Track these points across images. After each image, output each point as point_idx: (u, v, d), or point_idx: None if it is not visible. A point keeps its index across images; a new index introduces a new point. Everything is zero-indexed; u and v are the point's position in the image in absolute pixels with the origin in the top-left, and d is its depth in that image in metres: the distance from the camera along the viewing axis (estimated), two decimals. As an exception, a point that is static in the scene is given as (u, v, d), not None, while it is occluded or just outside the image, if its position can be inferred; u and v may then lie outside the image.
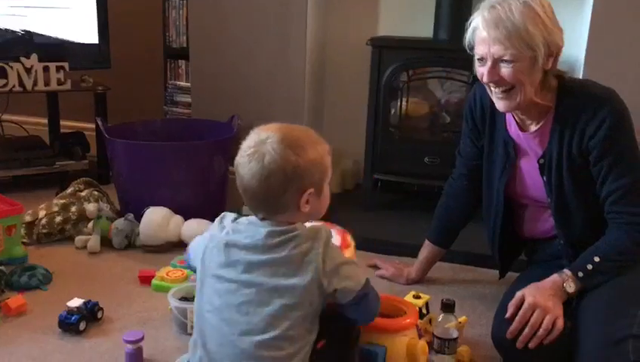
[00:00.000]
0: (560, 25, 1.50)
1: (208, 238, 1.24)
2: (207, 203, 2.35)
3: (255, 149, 1.19)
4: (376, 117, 2.44)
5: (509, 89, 1.51)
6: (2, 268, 1.87)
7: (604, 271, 1.50)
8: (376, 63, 2.40)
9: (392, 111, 2.50)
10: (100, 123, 2.40)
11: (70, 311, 1.62)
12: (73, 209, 2.24)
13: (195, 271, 1.28)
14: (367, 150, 2.50)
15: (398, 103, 2.52)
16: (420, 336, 1.50)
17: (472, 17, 1.54)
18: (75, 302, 1.64)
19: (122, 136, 2.35)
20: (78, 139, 2.92)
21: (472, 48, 1.53)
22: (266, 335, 1.13)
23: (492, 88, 1.55)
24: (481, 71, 1.53)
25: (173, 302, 1.64)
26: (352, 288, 1.20)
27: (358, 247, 2.20)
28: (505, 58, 1.47)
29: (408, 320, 1.43)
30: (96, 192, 2.34)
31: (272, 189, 1.16)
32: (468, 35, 1.54)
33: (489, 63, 1.50)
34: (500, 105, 1.56)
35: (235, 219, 1.24)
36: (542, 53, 1.46)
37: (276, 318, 1.13)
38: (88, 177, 2.62)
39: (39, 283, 1.86)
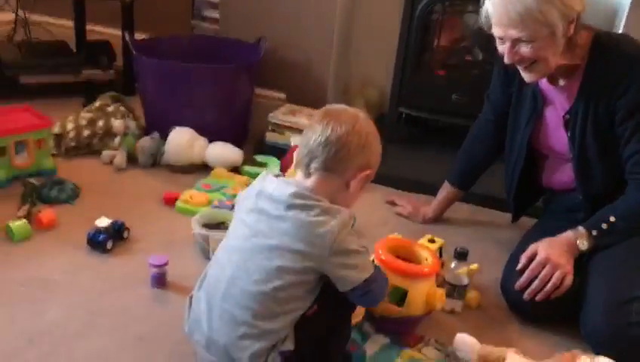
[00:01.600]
0: None
1: (249, 188, 1.27)
2: (231, 126, 2.37)
3: (350, 112, 1.24)
4: (407, 49, 2.39)
5: (531, 63, 1.50)
6: (33, 180, 1.94)
7: (618, 232, 1.53)
8: (410, -7, 2.33)
9: (423, 44, 2.44)
10: (127, 37, 2.38)
11: (98, 230, 1.69)
12: (100, 123, 2.28)
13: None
14: (395, 82, 2.47)
15: (430, 37, 2.46)
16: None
17: None
18: (103, 222, 1.71)
19: (149, 51, 2.34)
20: (105, 48, 2.90)
21: (489, 28, 1.51)
22: (255, 287, 1.16)
23: (512, 63, 1.53)
24: (502, 49, 1.52)
25: (197, 229, 1.70)
26: (353, 280, 1.18)
27: (376, 182, 2.25)
28: (523, 39, 1.45)
29: (429, 269, 1.48)
30: (123, 108, 2.36)
31: (349, 146, 1.19)
32: (483, 16, 1.51)
33: (508, 44, 1.48)
34: (525, 77, 1.56)
35: (278, 175, 1.26)
36: (560, 27, 1.43)
37: (270, 275, 1.15)
38: (114, 88, 2.65)
39: (68, 197, 1.92)
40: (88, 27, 3.02)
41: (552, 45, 1.46)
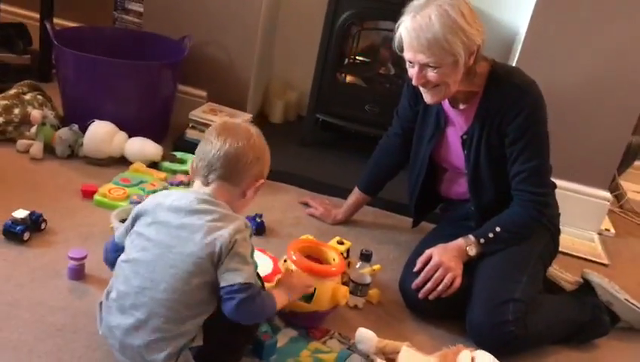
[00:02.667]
0: (479, 21, 1.64)
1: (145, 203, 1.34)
2: (152, 122, 2.41)
3: (243, 127, 1.35)
4: (326, 59, 2.52)
5: (434, 86, 1.68)
6: (-56, 167, 1.90)
7: (502, 240, 1.74)
8: (332, 5, 2.45)
9: (341, 55, 2.58)
10: (47, 26, 2.35)
11: (15, 221, 1.70)
12: (16, 111, 2.25)
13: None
14: (313, 89, 2.59)
15: (348, 48, 2.61)
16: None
17: (398, 22, 1.66)
18: (21, 213, 1.71)
19: (70, 41, 2.32)
20: (20, 32, 2.84)
21: (401, 51, 1.67)
22: (164, 295, 1.23)
23: (420, 86, 1.71)
24: (411, 73, 1.69)
25: (116, 223, 1.75)
26: (232, 280, 1.23)
27: (291, 183, 2.38)
28: (430, 64, 1.62)
29: (336, 269, 1.62)
30: (40, 97, 2.34)
31: (245, 160, 1.30)
32: (397, 40, 1.68)
33: (416, 68, 1.65)
34: (426, 98, 1.73)
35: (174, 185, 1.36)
36: (462, 57, 1.61)
37: (176, 282, 1.22)
38: (29, 73, 2.60)
39: (-18, 186, 1.91)
40: (3, 7, 2.93)
41: (454, 72, 1.64)
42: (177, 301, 1.23)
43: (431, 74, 1.64)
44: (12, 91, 2.32)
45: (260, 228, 2.01)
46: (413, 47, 1.62)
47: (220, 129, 1.33)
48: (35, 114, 2.21)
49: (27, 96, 2.31)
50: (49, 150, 2.21)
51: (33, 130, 2.22)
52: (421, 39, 1.59)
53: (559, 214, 1.90)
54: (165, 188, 2.10)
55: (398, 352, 1.50)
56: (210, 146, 1.30)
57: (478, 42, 1.63)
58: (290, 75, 2.94)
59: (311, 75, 2.60)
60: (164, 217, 1.27)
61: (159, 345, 1.23)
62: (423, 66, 1.64)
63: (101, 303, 1.34)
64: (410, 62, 1.66)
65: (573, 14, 2.23)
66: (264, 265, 1.57)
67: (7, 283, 1.55)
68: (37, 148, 2.17)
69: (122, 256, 1.32)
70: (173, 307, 1.23)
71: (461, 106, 1.79)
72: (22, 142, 2.20)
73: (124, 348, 1.27)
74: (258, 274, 1.37)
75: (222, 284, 1.24)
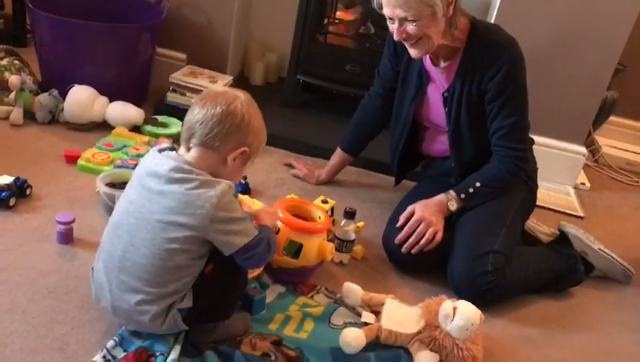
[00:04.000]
0: None
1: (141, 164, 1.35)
2: (132, 85, 2.39)
3: (227, 93, 1.33)
4: (305, 19, 2.51)
5: (417, 40, 1.69)
6: None
7: (482, 195, 1.79)
8: (310, -35, 2.44)
9: (320, 15, 2.58)
10: (21, -12, 2.30)
11: (0, 187, 1.70)
12: (-7, 77, 2.22)
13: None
14: (293, 50, 2.59)
15: (327, 8, 2.60)
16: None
17: None
18: (5, 179, 1.72)
19: (44, 4, 2.28)
20: (-9, -5, 2.77)
21: (381, 8, 1.68)
22: (143, 259, 1.25)
23: (402, 41, 1.71)
24: (392, 28, 1.70)
25: (102, 188, 1.76)
26: (235, 244, 1.26)
27: (274, 145, 2.39)
28: (408, 18, 1.63)
29: (322, 226, 1.66)
30: (17, 62, 2.31)
31: (223, 125, 1.28)
32: (375, 0, 1.68)
33: (396, 23, 1.66)
34: (411, 52, 1.75)
35: (163, 150, 1.34)
36: (440, 7, 1.63)
37: (155, 246, 1.24)
38: (2, 38, 2.55)
39: (-37, 153, 1.90)
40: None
41: (434, 24, 1.65)
42: (157, 266, 1.25)
43: (411, 27, 1.65)
44: (-13, 57, 2.28)
45: (245, 190, 2.04)
46: (390, 2, 1.63)
47: (204, 94, 1.34)
48: (13, 79, 2.18)
49: (3, 62, 2.28)
50: (29, 116, 2.20)
51: (12, 96, 2.20)
52: None
53: (537, 169, 1.95)
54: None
55: (383, 304, 1.55)
56: (194, 114, 1.30)
57: None
58: (270, 37, 2.92)
59: (290, 36, 2.60)
60: (147, 181, 1.28)
61: (145, 306, 1.26)
62: (402, 21, 1.65)
63: (93, 268, 1.37)
64: (390, 19, 1.67)
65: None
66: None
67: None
68: (17, 114, 2.16)
69: (111, 217, 1.34)
70: (153, 271, 1.25)
71: (442, 64, 1.81)
72: (1, 109, 2.18)
73: (115, 308, 1.30)
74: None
75: (233, 250, 1.27)
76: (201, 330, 1.36)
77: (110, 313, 1.32)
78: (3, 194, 1.69)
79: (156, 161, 1.30)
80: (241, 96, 1.33)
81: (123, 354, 1.29)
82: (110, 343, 1.31)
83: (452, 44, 1.75)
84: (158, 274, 1.26)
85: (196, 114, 1.29)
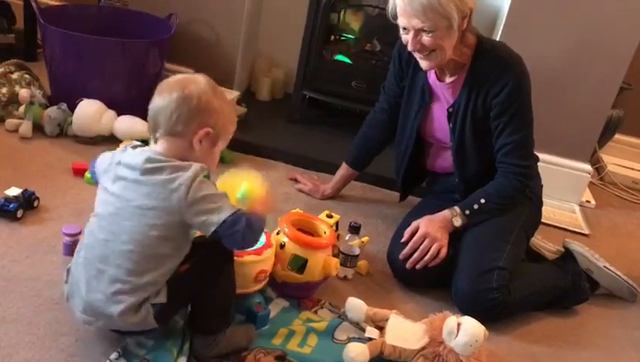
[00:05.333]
0: None
1: (111, 156, 1.36)
2: (140, 100, 2.36)
3: (182, 79, 1.34)
4: (312, 36, 2.54)
5: (430, 52, 1.70)
6: None
7: (487, 211, 1.79)
8: (318, -18, 2.47)
9: (327, 32, 2.60)
10: (34, 4, 2.34)
11: (8, 199, 1.72)
12: (4, 90, 2.25)
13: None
14: (300, 67, 2.61)
15: (334, 25, 2.63)
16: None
17: None
18: (14, 191, 1.73)
19: (56, 19, 2.32)
20: (4, 10, 2.81)
21: (395, 18, 1.69)
22: (125, 246, 1.26)
23: (415, 53, 1.73)
24: (405, 39, 1.71)
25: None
26: (212, 222, 1.25)
27: (280, 159, 2.41)
28: (425, 29, 1.64)
29: (327, 241, 1.66)
30: (27, 76, 2.34)
31: (181, 110, 1.28)
32: (390, 7, 1.70)
33: (411, 34, 1.67)
34: (423, 64, 1.75)
35: (136, 146, 1.37)
36: (456, 20, 1.64)
37: (137, 233, 1.26)
38: (14, 53, 2.60)
39: (-27, 165, 1.92)
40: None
41: (448, 36, 1.67)
42: (136, 252, 1.26)
43: (426, 38, 1.66)
44: (-1, 70, 2.32)
45: (250, 204, 2.05)
46: (407, 12, 1.64)
47: (160, 86, 1.33)
48: (23, 93, 2.21)
49: (14, 75, 2.31)
50: (38, 129, 2.22)
51: (21, 109, 2.23)
52: (415, 4, 1.61)
53: (542, 186, 1.96)
54: (155, 166, 2.13)
55: (386, 319, 1.55)
56: (153, 104, 1.31)
57: (470, 5, 1.66)
58: (277, 53, 2.95)
59: (297, 52, 2.62)
60: (122, 172, 1.30)
61: (118, 297, 1.26)
62: (418, 31, 1.65)
63: (69, 268, 1.37)
64: (405, 29, 1.68)
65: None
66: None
67: (3, 260, 1.58)
68: (26, 127, 2.18)
69: (93, 213, 1.36)
70: (132, 258, 1.26)
71: (447, 79, 1.83)
72: (10, 122, 2.21)
73: (87, 304, 1.29)
74: None
75: (211, 229, 1.25)
76: (204, 343, 1.37)
77: (79, 312, 1.31)
78: (11, 206, 1.71)
79: (127, 153, 1.33)
80: (198, 79, 1.33)
81: (127, 366, 1.29)
82: (114, 355, 1.31)
83: (459, 59, 1.76)
84: (138, 261, 1.26)
85: (156, 105, 1.30)
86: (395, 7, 1.67)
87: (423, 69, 1.77)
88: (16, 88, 2.26)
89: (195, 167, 1.27)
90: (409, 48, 1.71)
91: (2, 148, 2.10)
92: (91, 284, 1.29)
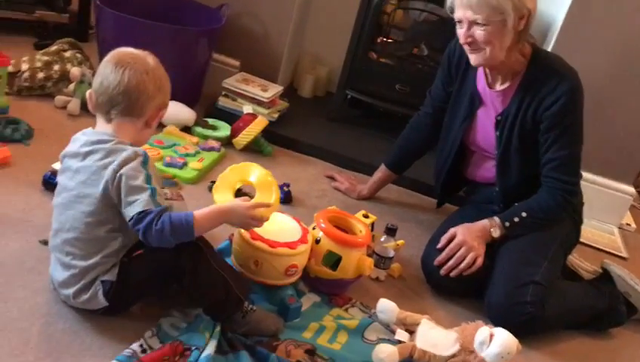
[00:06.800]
0: None
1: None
2: (186, 87, 2.44)
3: (139, 56, 1.34)
4: (360, 36, 2.54)
5: (480, 48, 1.67)
6: (-13, 116, 1.96)
7: (526, 225, 1.77)
8: (370, -18, 2.47)
9: (375, 33, 2.60)
10: (91, -15, 2.39)
11: (54, 173, 1.75)
12: (56, 68, 2.30)
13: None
14: (345, 65, 2.61)
15: (383, 27, 2.62)
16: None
17: None
18: (58, 166, 1.76)
19: (111, 2, 2.36)
20: (60, -10, 2.88)
21: (452, 12, 1.68)
22: (69, 234, 1.31)
23: (465, 45, 1.71)
24: (459, 32, 1.70)
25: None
26: (127, 214, 1.25)
27: (318, 156, 2.42)
28: (477, 21, 1.62)
29: (363, 240, 1.66)
30: (79, 55, 2.38)
31: (147, 92, 1.30)
32: (448, 2, 1.69)
33: (465, 26, 1.66)
34: (471, 58, 1.73)
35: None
36: (511, 17, 1.62)
37: (76, 221, 1.30)
38: (67, 32, 2.65)
39: (22, 137, 1.96)
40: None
41: (502, 34, 1.64)
42: (78, 239, 1.30)
43: (478, 32, 1.64)
44: (53, 48, 2.37)
45: (287, 197, 2.06)
46: (462, 3, 1.63)
47: (115, 60, 1.31)
48: (75, 71, 2.25)
49: (67, 54, 2.36)
50: (85, 107, 2.25)
51: (71, 87, 2.27)
52: None
53: (583, 204, 1.92)
54: (197, 153, 2.15)
55: (417, 324, 1.54)
56: (109, 81, 1.30)
57: (529, 6, 1.63)
58: (322, 51, 2.96)
59: (341, 51, 2.63)
60: (68, 162, 1.34)
61: (70, 281, 1.32)
62: (471, 24, 1.64)
63: None
64: (460, 22, 1.67)
65: (610, 5, 2.23)
66: (295, 232, 1.60)
67: (45, 231, 1.57)
68: (74, 104, 2.22)
69: None
70: (76, 245, 1.31)
71: (498, 87, 1.80)
72: (60, 98, 2.25)
73: (56, 286, 1.37)
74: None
75: (127, 220, 1.26)
76: (232, 321, 1.38)
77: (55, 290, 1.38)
78: (57, 179, 1.74)
79: (74, 142, 1.36)
80: (150, 58, 1.35)
81: (159, 345, 1.31)
82: (148, 333, 1.33)
83: (513, 65, 1.74)
84: (81, 247, 1.31)
85: (117, 83, 1.29)
86: (454, 0, 1.66)
87: (472, 63, 1.74)
88: (68, 66, 2.31)
89: (128, 152, 1.27)
90: (460, 41, 1.70)
91: (50, 123, 2.14)
92: (54, 271, 1.37)
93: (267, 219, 1.42)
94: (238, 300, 1.38)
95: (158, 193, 1.28)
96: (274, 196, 1.48)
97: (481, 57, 1.69)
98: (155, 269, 1.33)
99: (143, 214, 1.24)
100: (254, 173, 1.55)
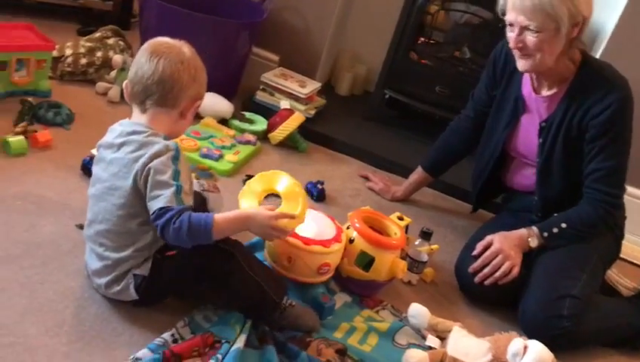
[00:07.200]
0: None
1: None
2: (225, 79, 2.44)
3: (175, 45, 1.34)
4: (402, 36, 2.50)
5: (530, 54, 1.63)
6: (30, 99, 1.99)
7: (566, 237, 1.72)
8: (414, -17, 2.43)
9: (417, 33, 2.57)
10: (136, -26, 2.41)
11: (93, 158, 1.76)
12: (99, 54, 2.32)
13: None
14: (385, 65, 2.58)
15: (425, 28, 2.59)
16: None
17: None
18: (99, 151, 1.78)
19: (155, -8, 2.37)
20: (105, -22, 2.91)
21: (504, 14, 1.63)
22: (102, 226, 1.32)
23: (514, 50, 1.67)
24: (509, 36, 1.65)
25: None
26: (153, 207, 1.24)
27: (353, 155, 2.40)
28: (530, 27, 1.57)
29: (397, 242, 1.64)
30: (122, 42, 2.41)
31: (181, 82, 1.29)
32: (500, 3, 1.64)
33: (516, 31, 1.61)
34: (520, 64, 1.68)
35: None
36: (565, 25, 1.57)
37: (108, 213, 1.30)
38: (110, 20, 2.68)
39: (63, 121, 1.98)
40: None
41: (554, 42, 1.59)
42: (110, 231, 1.31)
43: (530, 38, 1.60)
44: (97, 34, 2.40)
45: (320, 195, 2.05)
46: (516, 7, 1.58)
47: (152, 51, 1.30)
48: (117, 58, 2.27)
49: (110, 41, 2.38)
50: (126, 95, 2.28)
51: (113, 74, 2.30)
52: (526, 1, 1.56)
53: (625, 218, 1.86)
54: (233, 145, 2.15)
55: (449, 331, 1.52)
56: (144, 70, 1.29)
57: (584, 13, 1.58)
58: (361, 49, 2.93)
59: (381, 50, 2.60)
60: (102, 153, 1.35)
61: (103, 271, 1.33)
62: (522, 29, 1.59)
63: None
64: (511, 25, 1.62)
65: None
66: (329, 231, 1.59)
67: (82, 215, 1.57)
68: (115, 91, 2.24)
69: None
70: (108, 237, 1.31)
71: (545, 93, 1.76)
72: (101, 85, 2.28)
73: (89, 274, 1.39)
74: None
75: (149, 214, 1.26)
76: (271, 316, 1.38)
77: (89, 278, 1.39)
78: (94, 165, 1.76)
79: (109, 133, 1.36)
80: (185, 48, 1.34)
81: (190, 336, 1.31)
82: (180, 323, 1.33)
83: (561, 71, 1.69)
84: (113, 239, 1.31)
85: (152, 73, 1.28)
86: (505, 2, 1.62)
87: (519, 69, 1.69)
88: (110, 53, 2.33)
89: (159, 146, 1.27)
90: (510, 45, 1.65)
91: (91, 109, 2.17)
92: (89, 260, 1.38)
93: (291, 232, 1.38)
94: (273, 303, 1.38)
95: (184, 191, 1.27)
96: (300, 208, 1.39)
97: (529, 63, 1.65)
98: (186, 272, 1.32)
99: (163, 210, 1.23)
100: (282, 182, 1.48)
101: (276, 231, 1.33)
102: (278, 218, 1.33)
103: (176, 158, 1.28)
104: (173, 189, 1.24)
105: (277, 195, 1.49)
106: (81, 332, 1.28)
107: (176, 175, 1.26)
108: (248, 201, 1.47)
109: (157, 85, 1.28)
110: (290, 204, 1.40)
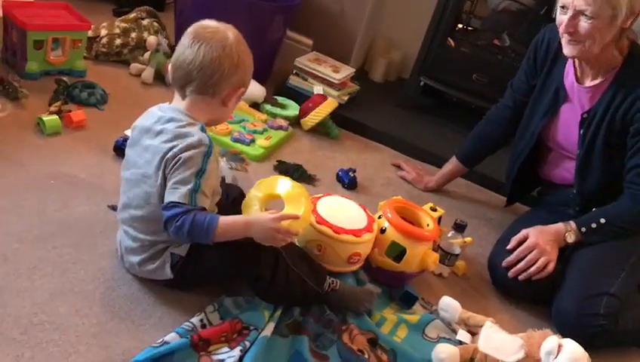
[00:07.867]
0: None
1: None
2: (259, 63, 2.36)
3: (218, 31, 1.29)
4: (440, 22, 2.45)
5: (579, 40, 1.57)
6: (65, 79, 2.00)
7: (604, 233, 1.66)
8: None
9: (456, 20, 2.50)
10: (172, -45, 2.39)
11: (126, 139, 1.76)
12: (133, 35, 2.32)
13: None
14: (421, 51, 2.53)
15: (464, 15, 2.53)
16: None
17: None
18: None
19: (190, -27, 2.36)
20: (141, -42, 2.90)
21: None
22: (137, 212, 1.30)
23: (564, 34, 1.60)
24: (561, 19, 1.58)
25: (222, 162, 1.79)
26: (167, 198, 1.24)
27: (385, 143, 2.36)
28: (586, 13, 1.51)
29: (430, 234, 1.60)
30: (156, 24, 2.40)
31: (222, 69, 1.25)
32: None
33: (570, 13, 1.54)
34: (566, 49, 1.62)
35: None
36: (622, 14, 1.50)
37: (142, 199, 1.29)
38: (145, 1, 2.67)
39: (97, 102, 1.99)
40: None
41: (607, 29, 1.53)
42: (145, 216, 1.30)
43: (583, 24, 1.53)
44: (132, 15, 2.40)
45: (352, 183, 2.02)
46: None
47: (194, 35, 1.27)
48: (151, 40, 2.27)
49: (145, 22, 2.38)
50: (159, 77, 2.28)
51: (147, 55, 2.29)
52: None
53: (667, 216, 1.79)
54: (265, 130, 2.14)
55: (480, 326, 1.48)
56: (185, 55, 1.26)
57: None
58: (397, 35, 2.88)
59: (418, 37, 2.55)
60: (138, 137, 1.32)
61: (138, 249, 1.33)
62: (577, 13, 1.53)
63: None
64: (564, 8, 1.56)
65: None
66: (360, 220, 1.56)
67: (115, 196, 1.57)
68: (148, 73, 2.24)
69: None
70: (143, 221, 1.31)
71: (588, 83, 1.69)
72: (135, 66, 2.28)
73: (122, 254, 1.37)
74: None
75: (165, 201, 1.25)
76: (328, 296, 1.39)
77: (120, 259, 1.39)
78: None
79: (145, 116, 1.33)
80: (230, 33, 1.29)
81: (219, 321, 1.30)
82: (209, 308, 1.33)
83: (608, 61, 1.62)
84: (147, 223, 1.30)
85: (192, 59, 1.25)
86: None
87: (565, 54, 1.63)
88: (145, 34, 2.33)
89: (194, 138, 1.24)
90: (560, 29, 1.58)
91: (123, 90, 2.17)
92: (122, 239, 1.37)
93: (297, 234, 1.34)
94: (315, 293, 1.38)
95: (202, 191, 1.24)
96: (303, 208, 1.34)
97: (577, 50, 1.58)
98: (227, 261, 1.30)
99: (173, 204, 1.23)
100: (282, 185, 1.42)
101: (280, 233, 1.28)
102: (280, 220, 1.28)
103: (206, 155, 1.25)
104: (190, 187, 1.23)
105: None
106: (111, 313, 1.28)
107: (199, 173, 1.24)
108: (251, 210, 1.40)
109: (197, 72, 1.25)
110: (293, 206, 1.36)
